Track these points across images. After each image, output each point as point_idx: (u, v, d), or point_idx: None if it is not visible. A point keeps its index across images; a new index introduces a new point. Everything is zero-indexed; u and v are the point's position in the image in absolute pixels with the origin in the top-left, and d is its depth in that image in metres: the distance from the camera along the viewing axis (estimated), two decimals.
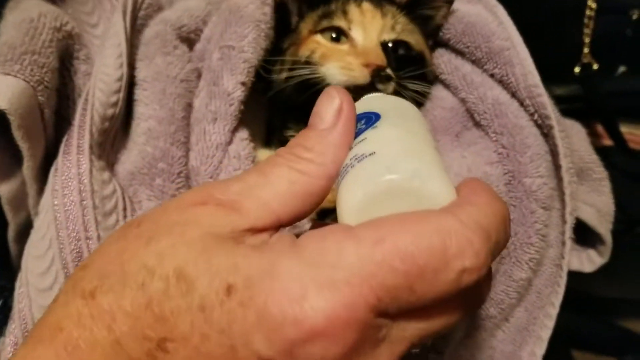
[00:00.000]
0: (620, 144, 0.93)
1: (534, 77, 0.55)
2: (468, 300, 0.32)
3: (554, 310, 0.55)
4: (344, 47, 0.59)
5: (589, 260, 0.63)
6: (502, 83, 0.56)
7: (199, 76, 0.58)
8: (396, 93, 0.55)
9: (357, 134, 0.36)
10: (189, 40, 0.61)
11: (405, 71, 0.56)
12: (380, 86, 0.54)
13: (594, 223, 0.61)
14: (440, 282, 0.29)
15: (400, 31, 0.59)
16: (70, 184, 0.49)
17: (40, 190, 0.51)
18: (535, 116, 0.55)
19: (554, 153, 0.56)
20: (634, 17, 0.94)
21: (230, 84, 0.55)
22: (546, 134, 0.55)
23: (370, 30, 0.59)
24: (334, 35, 0.60)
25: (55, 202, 0.49)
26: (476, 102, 0.57)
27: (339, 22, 0.60)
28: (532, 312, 0.56)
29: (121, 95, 0.53)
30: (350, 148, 0.35)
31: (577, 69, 0.97)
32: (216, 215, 0.32)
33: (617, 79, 0.98)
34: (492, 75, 0.57)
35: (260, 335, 0.27)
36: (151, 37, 0.58)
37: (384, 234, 0.29)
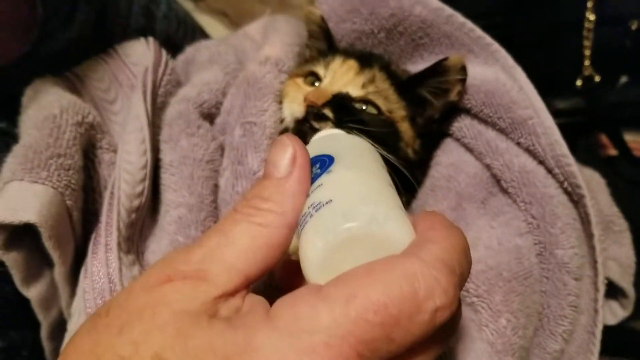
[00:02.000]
0: (625, 152, 0.93)
1: (562, 147, 0.54)
2: (444, 334, 0.33)
3: None
4: (308, 88, 0.58)
5: (612, 313, 0.63)
6: (529, 151, 0.56)
7: (222, 152, 0.58)
8: None
9: (313, 179, 0.36)
10: (210, 115, 0.60)
11: (359, 125, 0.53)
12: (314, 123, 0.54)
13: (616, 278, 0.61)
14: (416, 326, 0.30)
15: (371, 92, 0.57)
16: (100, 285, 0.49)
17: (73, 292, 0.50)
18: (565, 184, 0.55)
19: (583, 220, 0.55)
20: (633, 27, 0.94)
21: (255, 162, 0.54)
22: (575, 201, 0.55)
23: (337, 80, 0.58)
24: (311, 80, 0.60)
25: (87, 305, 0.48)
26: (502, 169, 0.56)
27: (318, 68, 0.60)
28: None
29: (146, 183, 0.53)
30: (308, 195, 0.36)
31: (578, 82, 0.97)
32: (184, 291, 0.32)
33: (619, 90, 0.97)
34: (518, 144, 0.56)
35: None
36: (174, 118, 0.57)
37: (354, 290, 0.30)
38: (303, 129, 0.54)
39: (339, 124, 0.52)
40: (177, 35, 0.82)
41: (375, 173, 0.38)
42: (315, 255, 0.33)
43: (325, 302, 0.30)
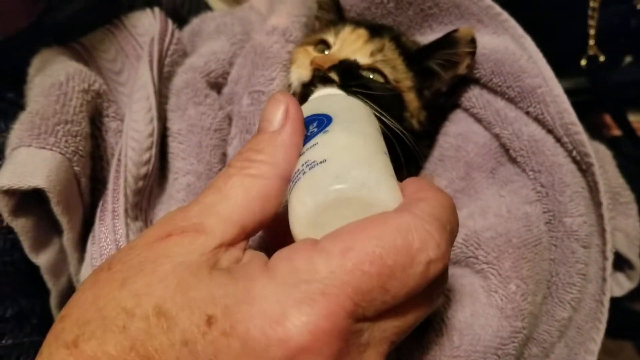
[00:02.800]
0: (629, 133, 0.93)
1: (570, 115, 0.54)
2: (436, 290, 0.35)
3: (595, 346, 0.55)
4: (317, 55, 0.58)
5: (618, 285, 0.63)
6: (538, 120, 0.55)
7: (230, 122, 0.58)
8: None
9: (309, 138, 0.37)
10: (217, 84, 0.60)
11: (365, 90, 0.53)
12: (320, 86, 0.53)
13: (623, 250, 0.61)
14: (410, 277, 0.31)
15: (378, 60, 0.57)
16: (107, 251, 0.49)
17: (81, 258, 0.50)
18: (574, 153, 0.54)
19: (591, 189, 0.55)
20: (639, 7, 0.93)
21: None
22: (584, 170, 0.55)
23: (345, 47, 0.58)
24: (321, 48, 0.60)
25: None
26: (511, 138, 0.56)
27: (328, 36, 0.60)
28: (572, 347, 0.56)
29: (153, 151, 0.53)
30: (303, 153, 0.36)
31: (583, 62, 0.97)
32: (183, 244, 0.32)
33: (623, 70, 0.97)
34: (527, 113, 0.56)
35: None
36: (181, 87, 0.57)
37: (349, 243, 0.31)
38: (308, 93, 0.53)
39: (344, 87, 0.52)
40: (183, 9, 0.81)
41: (371, 138, 0.38)
42: (304, 213, 0.34)
43: (321, 254, 0.30)
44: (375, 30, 0.60)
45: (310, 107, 0.40)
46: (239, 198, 0.34)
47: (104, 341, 0.29)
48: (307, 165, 0.35)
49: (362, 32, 0.59)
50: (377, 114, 0.48)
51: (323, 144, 0.36)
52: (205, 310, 0.29)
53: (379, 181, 0.34)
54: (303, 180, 0.35)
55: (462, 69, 0.57)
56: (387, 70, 0.56)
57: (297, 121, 0.37)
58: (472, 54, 0.57)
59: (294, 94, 0.55)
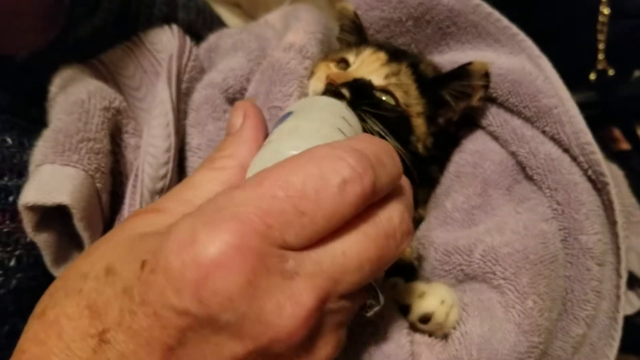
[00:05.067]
0: (638, 147, 0.93)
1: (586, 135, 0.55)
2: (378, 223, 0.34)
3: None
4: (336, 70, 0.59)
5: (628, 303, 0.64)
6: (554, 139, 0.56)
7: None
8: None
9: (271, 131, 0.41)
10: (235, 100, 0.61)
11: (373, 109, 0.54)
12: None
13: (635, 268, 0.62)
14: (324, 198, 0.31)
15: (392, 83, 0.58)
16: None
17: None
18: (589, 172, 0.55)
19: (606, 207, 0.56)
20: None
21: None
22: (599, 188, 0.56)
23: (363, 68, 0.59)
24: (342, 67, 0.61)
25: None
26: (528, 156, 0.57)
27: (349, 55, 0.61)
28: None
29: (170, 166, 0.54)
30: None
31: (592, 76, 0.97)
32: (141, 221, 0.36)
33: (633, 84, 0.97)
34: (543, 132, 0.57)
35: (170, 290, 0.29)
36: (201, 103, 0.58)
37: (264, 176, 0.32)
38: None
39: (353, 104, 0.53)
40: (197, 24, 0.82)
41: (321, 118, 0.41)
42: None
43: (239, 189, 0.32)
44: (395, 55, 0.61)
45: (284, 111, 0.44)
46: (204, 186, 0.38)
47: (64, 305, 0.32)
48: (260, 148, 0.40)
49: (382, 55, 0.60)
50: (379, 131, 0.51)
51: (275, 132, 0.40)
52: (141, 257, 0.31)
53: (310, 145, 0.35)
54: (252, 161, 0.39)
55: (474, 101, 0.58)
56: (398, 94, 0.57)
57: (254, 119, 0.43)
58: (485, 87, 0.58)
59: None
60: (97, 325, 0.30)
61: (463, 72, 0.57)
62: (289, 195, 0.31)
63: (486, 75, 0.57)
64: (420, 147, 0.58)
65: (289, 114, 0.42)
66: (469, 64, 0.57)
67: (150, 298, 0.30)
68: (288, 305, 0.30)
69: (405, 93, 0.58)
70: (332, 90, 0.55)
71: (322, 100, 0.45)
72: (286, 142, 0.38)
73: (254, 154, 0.39)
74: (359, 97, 0.55)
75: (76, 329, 0.31)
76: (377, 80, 0.58)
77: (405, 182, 0.38)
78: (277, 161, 0.34)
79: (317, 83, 0.57)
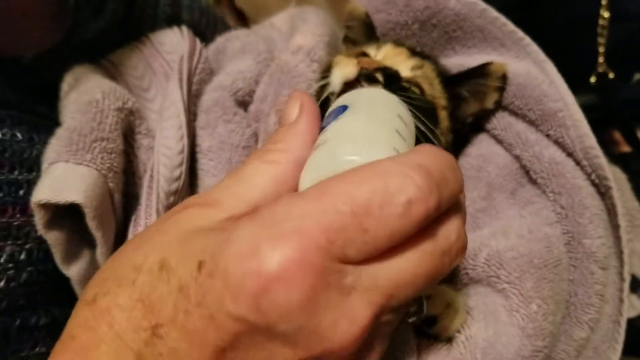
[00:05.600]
0: (639, 149, 0.94)
1: (590, 139, 0.55)
2: (437, 240, 0.34)
3: None
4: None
5: (631, 306, 0.64)
6: (558, 143, 0.57)
7: (257, 139, 0.59)
8: None
9: (324, 127, 0.40)
10: (244, 102, 0.61)
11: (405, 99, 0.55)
12: (365, 84, 0.55)
13: (638, 272, 0.62)
14: (388, 217, 0.31)
15: (418, 75, 0.59)
16: None
17: None
18: (593, 176, 0.56)
19: (610, 211, 0.56)
20: None
21: None
22: (603, 192, 0.56)
23: (388, 59, 0.60)
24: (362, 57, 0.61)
25: None
26: (532, 160, 0.57)
27: (369, 49, 0.62)
28: None
29: (184, 167, 0.54)
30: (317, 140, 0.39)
31: (592, 79, 0.98)
32: (194, 214, 0.36)
33: (633, 87, 0.98)
34: (547, 136, 0.57)
35: (228, 297, 0.29)
36: (211, 105, 0.58)
37: (327, 188, 0.32)
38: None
39: (387, 88, 0.53)
40: (201, 25, 0.83)
41: (380, 118, 0.39)
42: (303, 189, 0.36)
43: (299, 198, 0.32)
44: (415, 52, 0.62)
45: (336, 102, 0.42)
46: (254, 180, 0.37)
47: (116, 295, 0.32)
48: (314, 148, 0.38)
49: (403, 50, 0.61)
50: (416, 120, 0.50)
51: (330, 129, 0.38)
52: (198, 257, 0.31)
53: (369, 153, 0.35)
54: (307, 162, 0.37)
55: (489, 103, 0.59)
56: (425, 86, 0.58)
57: (311, 112, 0.41)
58: (501, 89, 0.59)
59: (331, 94, 0.56)
60: (150, 319, 0.31)
61: (481, 71, 0.58)
62: (352, 211, 0.30)
63: (503, 77, 0.58)
64: (443, 141, 0.59)
65: (343, 107, 0.40)
66: (489, 64, 0.58)
67: (208, 301, 0.30)
68: (344, 322, 0.30)
69: (431, 85, 0.59)
70: (366, 74, 0.55)
71: (376, 94, 0.44)
72: (345, 146, 0.36)
73: (309, 149, 0.38)
74: (392, 83, 0.55)
75: (128, 320, 0.31)
76: (404, 71, 0.59)
77: (462, 195, 0.37)
78: (335, 167, 0.34)
79: (347, 69, 0.56)
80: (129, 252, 0.35)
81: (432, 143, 0.53)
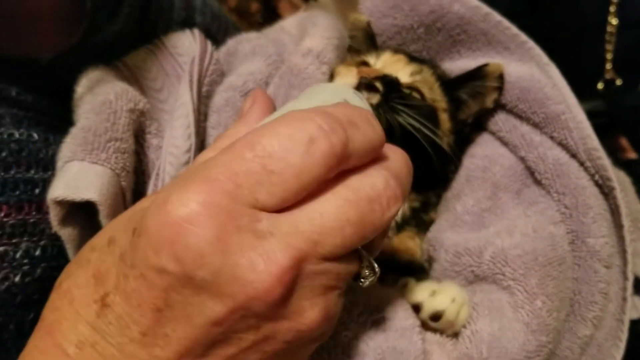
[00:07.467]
0: None
1: (593, 141, 0.56)
2: (358, 187, 0.34)
3: None
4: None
5: (634, 307, 0.65)
6: (562, 145, 0.58)
7: None
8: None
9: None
10: None
11: (404, 105, 0.56)
12: (365, 93, 0.56)
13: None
14: (293, 157, 0.32)
15: (417, 80, 0.61)
16: None
17: None
18: (596, 177, 0.57)
19: (613, 212, 0.57)
20: None
21: None
22: (606, 193, 0.57)
23: (387, 67, 0.62)
24: (362, 67, 0.62)
25: None
26: (536, 161, 0.58)
27: (369, 58, 0.64)
28: None
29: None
30: None
31: (600, 85, 0.99)
32: (147, 200, 0.39)
33: None
34: (551, 138, 0.58)
35: (150, 251, 0.31)
36: (222, 105, 0.60)
37: (237, 141, 0.33)
38: None
39: (386, 97, 0.55)
40: (212, 28, 0.85)
41: (318, 100, 0.40)
42: None
43: (212, 154, 0.34)
44: (413, 58, 0.63)
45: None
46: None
47: (76, 275, 0.35)
48: None
49: (402, 57, 0.63)
50: (415, 123, 0.53)
51: (276, 113, 0.41)
52: (133, 225, 0.33)
53: None
54: None
55: (488, 103, 0.61)
56: (425, 90, 0.60)
57: (262, 104, 0.46)
58: (499, 89, 0.60)
59: None
60: (99, 290, 0.33)
61: (479, 73, 0.60)
62: (257, 155, 0.32)
63: (500, 77, 0.60)
64: (444, 143, 0.60)
65: (292, 98, 0.43)
66: (485, 65, 0.59)
67: (137, 260, 0.32)
68: (261, 261, 0.31)
69: (430, 89, 0.61)
70: (366, 83, 0.57)
71: (328, 86, 0.47)
72: (270, 119, 0.38)
73: None
74: (391, 90, 0.57)
75: (84, 295, 0.34)
76: (404, 77, 0.61)
77: (394, 152, 0.37)
78: None
79: (348, 78, 0.59)
80: (91, 239, 0.38)
81: (435, 145, 0.55)
